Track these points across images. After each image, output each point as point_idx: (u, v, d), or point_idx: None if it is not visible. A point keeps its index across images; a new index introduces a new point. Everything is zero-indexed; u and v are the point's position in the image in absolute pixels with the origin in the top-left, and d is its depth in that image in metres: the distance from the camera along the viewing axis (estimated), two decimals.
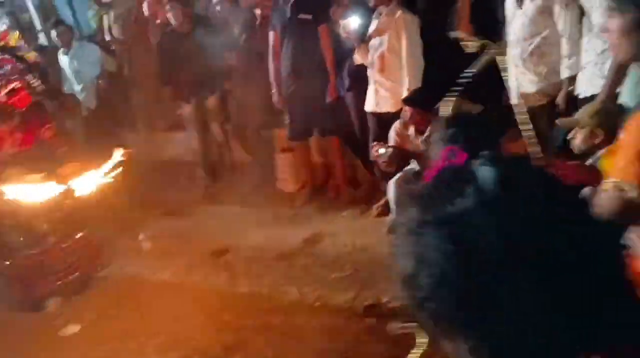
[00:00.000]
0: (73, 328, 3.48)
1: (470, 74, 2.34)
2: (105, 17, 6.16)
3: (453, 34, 3.38)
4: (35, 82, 4.10)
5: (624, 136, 1.33)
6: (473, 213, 0.62)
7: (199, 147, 5.27)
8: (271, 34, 4.40)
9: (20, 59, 4.23)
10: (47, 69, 5.98)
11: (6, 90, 3.70)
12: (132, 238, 4.43)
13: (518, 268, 0.58)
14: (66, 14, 7.85)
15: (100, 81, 5.77)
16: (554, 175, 0.74)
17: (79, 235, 3.92)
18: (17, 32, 4.65)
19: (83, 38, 6.54)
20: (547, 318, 0.59)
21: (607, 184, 1.26)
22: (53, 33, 5.93)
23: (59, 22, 6.09)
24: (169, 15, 4.86)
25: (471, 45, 3.03)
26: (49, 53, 6.22)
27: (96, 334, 3.38)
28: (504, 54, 2.93)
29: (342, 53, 4.20)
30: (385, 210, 3.96)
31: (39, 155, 3.75)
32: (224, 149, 5.36)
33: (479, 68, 2.41)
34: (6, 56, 4.00)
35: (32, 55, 4.67)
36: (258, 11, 4.65)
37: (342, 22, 3.93)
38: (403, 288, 0.66)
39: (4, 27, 7.66)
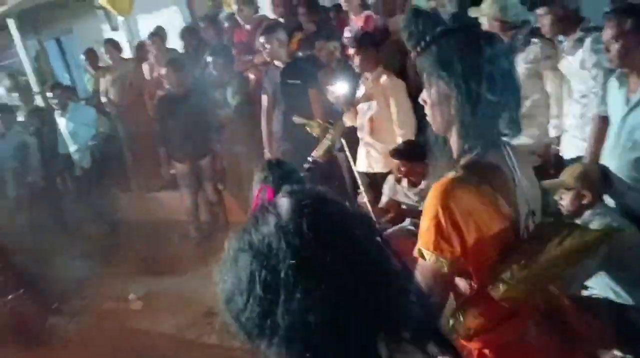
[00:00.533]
0: None
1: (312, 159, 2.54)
2: (101, 80, 6.32)
3: (296, 120, 3.77)
4: None
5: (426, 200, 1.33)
6: (271, 236, 0.74)
7: (191, 207, 5.31)
8: (264, 97, 4.53)
9: None
10: (42, 130, 6.11)
11: None
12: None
13: (307, 282, 0.71)
14: (63, 77, 8.07)
15: (94, 142, 5.88)
16: (357, 213, 0.84)
17: None
18: None
19: (79, 100, 6.70)
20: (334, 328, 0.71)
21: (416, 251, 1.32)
22: (49, 95, 6.09)
23: (55, 85, 6.27)
24: (165, 80, 5.01)
25: (313, 128, 3.50)
26: (45, 114, 6.35)
27: None
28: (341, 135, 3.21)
29: (332, 115, 4.31)
30: None
31: None
32: (217, 208, 5.40)
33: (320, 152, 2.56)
34: None
35: None
36: (251, 75, 4.80)
37: (330, 88, 4.06)
38: (225, 306, 0.78)
39: (4, 89, 7.86)
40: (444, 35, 1.34)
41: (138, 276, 4.82)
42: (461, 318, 1.34)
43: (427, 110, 1.42)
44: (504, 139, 1.38)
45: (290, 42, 4.63)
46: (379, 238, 0.80)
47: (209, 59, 4.85)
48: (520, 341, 1.38)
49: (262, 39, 4.33)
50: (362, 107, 4.04)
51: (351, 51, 4.15)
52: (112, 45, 6.29)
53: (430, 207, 1.29)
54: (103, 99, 6.32)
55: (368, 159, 4.07)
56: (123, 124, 6.13)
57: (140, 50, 6.36)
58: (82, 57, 6.78)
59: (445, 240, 1.27)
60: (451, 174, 1.30)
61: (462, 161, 1.33)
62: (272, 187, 0.88)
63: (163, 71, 5.02)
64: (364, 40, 4.00)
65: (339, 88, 4.01)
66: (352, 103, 4.07)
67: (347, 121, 4.15)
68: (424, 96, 1.40)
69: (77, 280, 4.75)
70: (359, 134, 4.10)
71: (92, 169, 5.94)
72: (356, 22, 4.69)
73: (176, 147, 5.02)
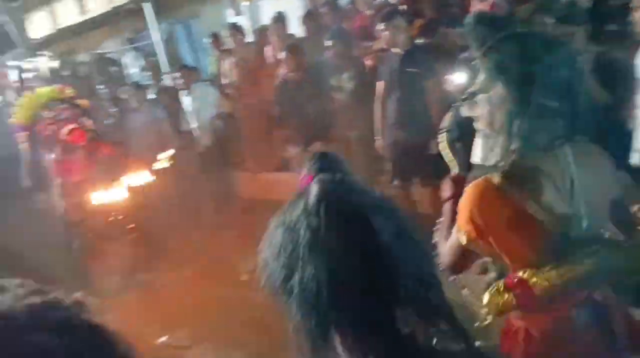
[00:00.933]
0: None
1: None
2: (223, 63, 6.64)
3: None
4: (87, 123, 5.12)
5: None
6: (298, 217, 0.90)
7: None
8: (379, 84, 4.53)
9: (76, 106, 5.18)
10: (170, 107, 6.57)
11: (66, 131, 4.79)
12: None
13: (317, 258, 0.86)
14: (189, 59, 8.58)
15: (215, 121, 6.23)
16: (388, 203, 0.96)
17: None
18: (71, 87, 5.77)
19: (203, 81, 7.09)
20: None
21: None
22: (176, 75, 6.55)
23: (182, 67, 6.71)
24: (284, 64, 5.16)
25: None
26: (172, 93, 6.83)
27: None
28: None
29: (449, 105, 4.21)
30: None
31: (105, 169, 4.96)
32: None
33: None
34: (64, 105, 5.02)
35: (84, 103, 5.47)
36: (369, 61, 4.81)
37: (449, 77, 3.96)
38: (261, 271, 0.95)
39: (139, 69, 8.52)
40: (503, 42, 1.43)
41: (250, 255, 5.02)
42: (493, 294, 1.46)
43: (485, 110, 1.56)
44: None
45: (410, 29, 4.57)
46: (402, 228, 0.92)
47: (328, 43, 4.92)
48: (565, 325, 1.48)
49: (381, 25, 4.32)
50: (481, 97, 3.89)
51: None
52: (236, 29, 6.57)
53: (464, 198, 1.49)
54: (224, 81, 6.65)
55: (484, 150, 3.93)
56: (241, 105, 6.41)
57: (262, 34, 6.59)
58: (207, 40, 7.18)
59: (470, 228, 1.45)
60: (488, 176, 1.45)
61: (505, 162, 1.44)
62: (311, 175, 0.99)
63: (283, 55, 5.16)
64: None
65: (459, 77, 3.90)
66: (471, 93, 3.94)
67: (466, 111, 4.03)
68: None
69: None
70: (476, 125, 3.97)
71: (213, 147, 6.30)
72: (480, 8, 4.51)
73: (292, 130, 5.17)
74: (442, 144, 1.97)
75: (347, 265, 0.86)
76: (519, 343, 1.52)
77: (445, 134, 1.98)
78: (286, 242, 0.90)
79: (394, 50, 4.31)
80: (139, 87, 6.83)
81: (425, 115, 4.24)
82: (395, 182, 4.59)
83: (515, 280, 1.43)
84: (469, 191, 1.48)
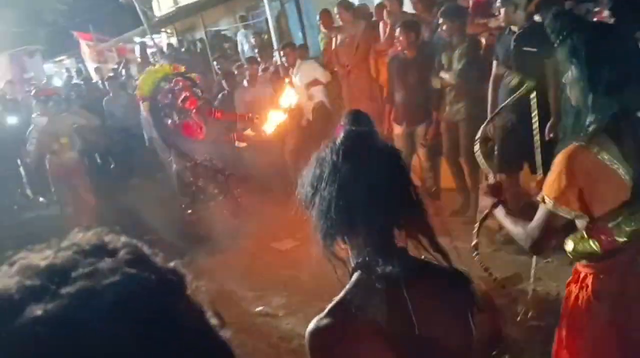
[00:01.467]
0: None
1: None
2: (332, 40, 6.65)
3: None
4: (199, 92, 5.97)
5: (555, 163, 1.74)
6: (327, 154, 1.23)
7: None
8: (494, 63, 4.31)
9: (189, 79, 5.94)
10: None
11: (181, 99, 5.62)
12: None
13: (332, 185, 1.20)
14: (298, 36, 8.70)
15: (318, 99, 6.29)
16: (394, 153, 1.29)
17: None
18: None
19: (310, 58, 7.16)
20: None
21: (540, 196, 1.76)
22: (281, 53, 6.70)
23: (287, 44, 6.83)
24: (397, 42, 5.06)
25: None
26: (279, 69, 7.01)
27: None
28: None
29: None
30: None
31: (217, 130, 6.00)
32: (426, 173, 5.37)
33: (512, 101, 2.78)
34: (179, 78, 5.79)
35: (195, 76, 6.24)
36: (482, 39, 4.59)
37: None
38: (301, 189, 1.28)
39: (248, 45, 8.78)
40: (576, 31, 1.72)
41: None
42: (578, 241, 1.73)
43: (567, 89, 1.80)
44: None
45: (529, 5, 4.29)
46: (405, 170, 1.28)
47: (440, 20, 4.75)
48: (630, 269, 1.73)
49: (498, 2, 4.10)
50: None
51: (605, 14, 3.69)
52: (344, 7, 6.53)
53: (557, 166, 1.71)
54: (332, 59, 6.67)
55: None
56: (347, 83, 6.39)
57: (378, 11, 6.51)
58: (317, 17, 7.22)
59: (563, 193, 1.67)
60: (577, 142, 1.68)
61: (589, 130, 1.67)
62: (343, 126, 1.33)
63: (396, 33, 5.06)
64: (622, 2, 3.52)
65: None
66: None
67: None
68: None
69: None
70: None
71: (311, 124, 6.37)
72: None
73: (398, 108, 5.08)
74: (477, 153, 2.16)
75: (354, 189, 1.18)
76: (586, 286, 1.78)
77: (478, 143, 2.19)
78: (316, 170, 1.23)
79: (512, 27, 4.08)
80: (250, 62, 7.04)
81: (541, 98, 3.99)
82: (503, 168, 4.37)
83: (601, 228, 1.68)
84: (562, 157, 1.70)
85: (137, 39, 13.07)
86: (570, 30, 1.72)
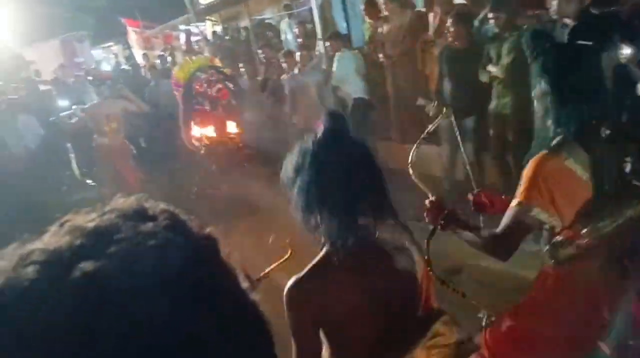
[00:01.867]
0: None
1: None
2: (378, 31, 6.60)
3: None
4: (230, 85, 6.64)
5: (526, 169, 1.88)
6: (308, 144, 1.47)
7: (447, 163, 5.30)
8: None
9: (221, 72, 6.58)
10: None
11: (215, 89, 6.25)
12: None
13: (311, 170, 1.44)
14: (342, 25, 8.66)
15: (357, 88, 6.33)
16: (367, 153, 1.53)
17: None
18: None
19: (352, 49, 7.14)
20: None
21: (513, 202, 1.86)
22: (326, 43, 6.72)
23: (333, 34, 6.82)
24: (448, 32, 4.99)
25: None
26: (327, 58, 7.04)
27: None
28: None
29: (623, 82, 3.79)
30: None
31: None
32: (470, 168, 5.27)
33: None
34: (213, 71, 6.42)
35: (228, 70, 6.95)
36: None
37: (625, 51, 3.55)
38: (282, 174, 1.52)
39: (291, 35, 8.79)
40: (547, 49, 1.93)
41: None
42: (556, 245, 1.83)
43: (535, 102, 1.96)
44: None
45: None
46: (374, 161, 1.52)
47: (489, 14, 4.65)
48: (591, 274, 1.84)
49: None
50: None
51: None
52: None
53: (527, 172, 1.85)
54: (377, 49, 6.62)
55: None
56: (392, 74, 6.35)
57: (428, 1, 6.43)
58: (362, 7, 7.17)
59: (534, 193, 1.80)
60: (544, 151, 1.86)
61: (554, 141, 1.84)
62: (321, 123, 1.51)
63: (448, 23, 4.97)
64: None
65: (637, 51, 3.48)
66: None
67: None
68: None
69: None
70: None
71: (354, 113, 6.35)
72: None
73: (445, 101, 5.01)
74: (413, 176, 2.25)
75: (329, 172, 1.42)
76: (549, 286, 1.93)
77: (410, 168, 2.28)
78: (298, 157, 1.46)
79: (565, 20, 3.96)
80: (291, 52, 7.08)
81: (596, 94, 3.87)
82: None
83: (574, 233, 1.80)
84: (532, 164, 1.85)
85: (183, 27, 13.27)
86: (542, 49, 1.93)
